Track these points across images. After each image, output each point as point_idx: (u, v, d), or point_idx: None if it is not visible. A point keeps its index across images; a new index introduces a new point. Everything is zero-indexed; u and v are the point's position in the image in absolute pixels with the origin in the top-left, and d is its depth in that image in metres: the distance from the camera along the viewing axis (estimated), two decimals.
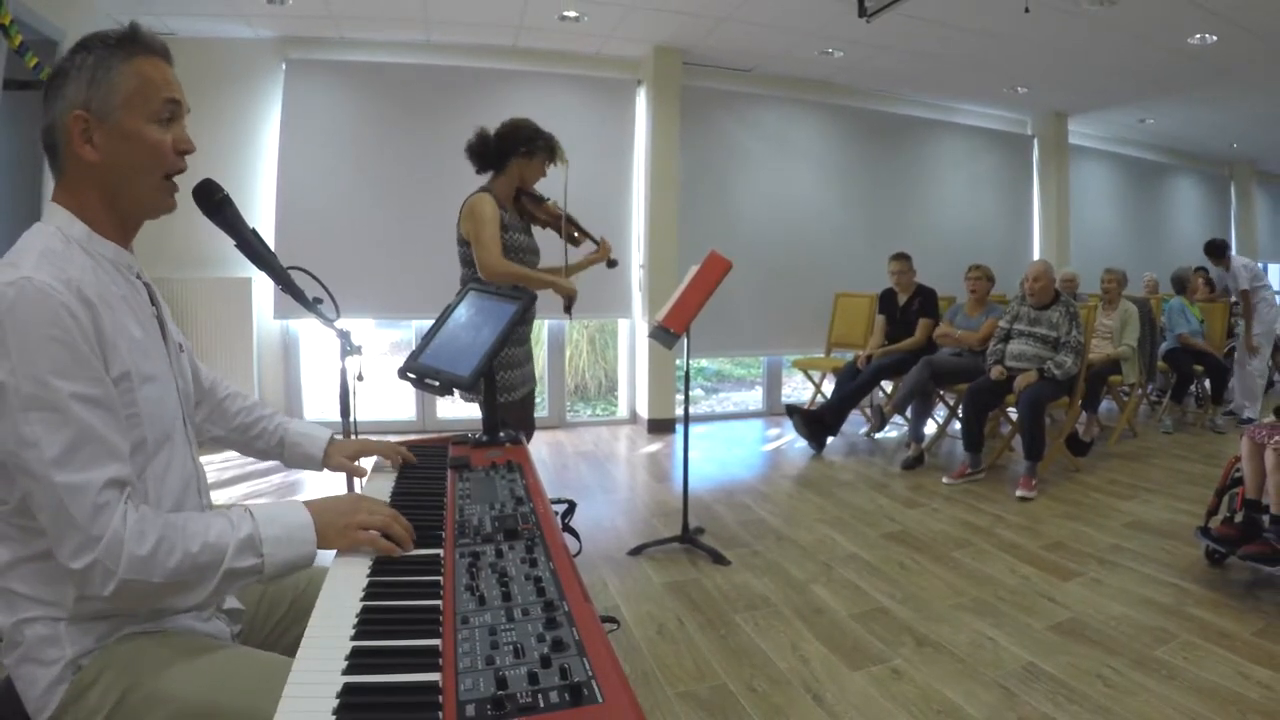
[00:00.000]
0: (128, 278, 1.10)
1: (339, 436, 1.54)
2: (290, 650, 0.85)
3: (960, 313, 5.12)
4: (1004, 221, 7.53)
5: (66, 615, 0.99)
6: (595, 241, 2.92)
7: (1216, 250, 6.21)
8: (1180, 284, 6.30)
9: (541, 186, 2.89)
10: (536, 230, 2.90)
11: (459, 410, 5.63)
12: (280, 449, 1.47)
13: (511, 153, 2.73)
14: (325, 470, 1.49)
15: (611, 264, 3.00)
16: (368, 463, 1.51)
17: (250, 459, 1.56)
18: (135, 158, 1.05)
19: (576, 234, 2.88)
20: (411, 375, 1.63)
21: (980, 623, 2.57)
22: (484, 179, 2.81)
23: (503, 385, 2.67)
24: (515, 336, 2.70)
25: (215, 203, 1.27)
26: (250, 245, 1.34)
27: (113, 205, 1.08)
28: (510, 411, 2.70)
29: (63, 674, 0.99)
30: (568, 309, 2.79)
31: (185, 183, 1.14)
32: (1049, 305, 4.44)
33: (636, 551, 3.22)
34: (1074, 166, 7.71)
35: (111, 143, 1.03)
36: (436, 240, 5.30)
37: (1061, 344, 4.31)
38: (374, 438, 1.58)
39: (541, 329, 5.82)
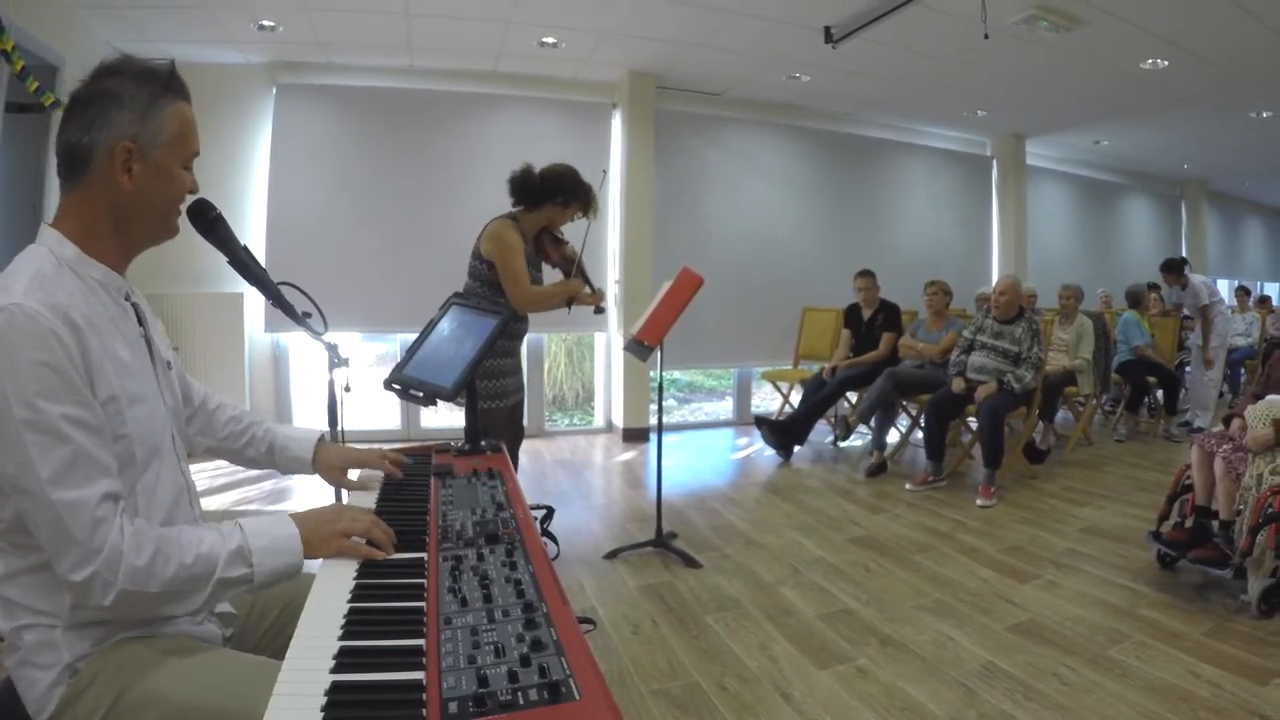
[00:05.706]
0: (116, 299, 1.11)
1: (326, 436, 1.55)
2: (281, 653, 0.87)
3: (922, 327, 5.25)
4: (964, 239, 7.71)
5: (62, 624, 1.01)
6: (593, 289, 2.99)
7: (1175, 268, 6.15)
8: (1134, 299, 6.41)
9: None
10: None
11: (443, 419, 5.69)
12: (270, 455, 1.48)
13: (550, 198, 2.83)
14: (316, 474, 1.50)
15: (599, 310, 3.07)
16: (355, 473, 1.53)
17: (240, 468, 1.58)
18: (162, 194, 1.10)
19: (584, 281, 2.97)
20: (397, 386, 1.67)
21: (942, 623, 2.63)
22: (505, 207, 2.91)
23: (492, 392, 2.79)
24: (503, 348, 2.81)
25: (209, 221, 1.32)
26: (242, 262, 1.38)
27: (123, 231, 1.10)
28: (497, 417, 2.81)
29: (60, 677, 1.01)
30: (599, 309, 2.99)
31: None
32: (1013, 320, 4.48)
33: (612, 555, 3.27)
34: (1031, 186, 7.94)
35: (147, 176, 1.07)
36: (421, 256, 5.40)
37: (1023, 359, 4.37)
38: (361, 446, 1.59)
39: (521, 342, 5.88)
